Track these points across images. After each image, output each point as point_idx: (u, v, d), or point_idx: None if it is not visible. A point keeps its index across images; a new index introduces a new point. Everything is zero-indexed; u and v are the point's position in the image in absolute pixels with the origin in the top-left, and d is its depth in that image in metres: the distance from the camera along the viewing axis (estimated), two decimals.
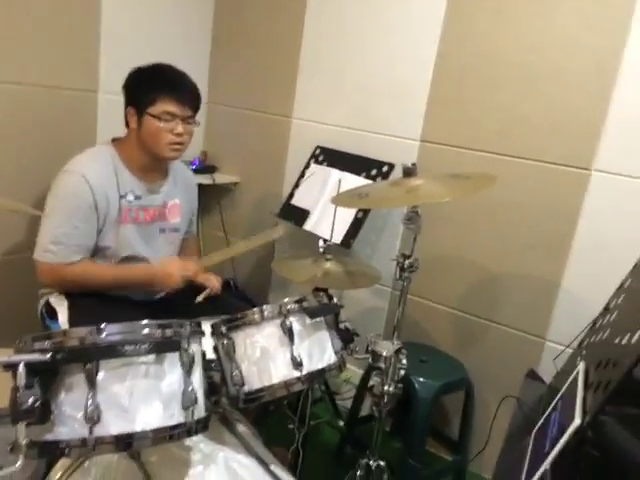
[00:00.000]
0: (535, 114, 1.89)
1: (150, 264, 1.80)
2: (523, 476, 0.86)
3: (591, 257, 1.84)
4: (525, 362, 1.92)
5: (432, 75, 2.08)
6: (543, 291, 1.95)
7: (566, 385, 1.00)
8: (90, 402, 0.93)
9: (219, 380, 1.26)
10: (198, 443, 1.21)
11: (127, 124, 1.74)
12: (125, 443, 0.96)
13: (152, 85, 1.68)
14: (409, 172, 1.43)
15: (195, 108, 1.75)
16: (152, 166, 1.79)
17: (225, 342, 1.22)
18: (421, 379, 1.87)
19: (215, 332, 1.24)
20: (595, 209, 1.82)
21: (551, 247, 1.92)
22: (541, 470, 0.78)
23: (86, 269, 1.68)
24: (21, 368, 0.89)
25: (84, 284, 1.68)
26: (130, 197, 1.74)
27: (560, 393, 1.00)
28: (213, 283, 1.87)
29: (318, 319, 1.27)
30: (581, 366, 0.99)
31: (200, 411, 1.06)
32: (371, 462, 1.58)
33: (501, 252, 2.02)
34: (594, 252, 1.83)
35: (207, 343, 1.18)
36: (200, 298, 1.80)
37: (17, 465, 0.90)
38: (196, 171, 2.46)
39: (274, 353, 1.21)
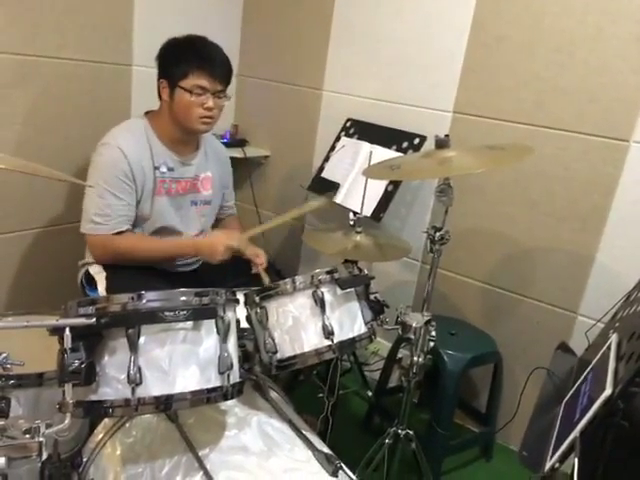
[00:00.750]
0: (572, 84, 1.84)
1: (197, 237, 1.83)
2: (552, 443, 0.87)
3: (627, 230, 1.81)
4: (556, 336, 1.91)
5: (467, 44, 2.04)
6: (576, 265, 1.92)
7: (597, 357, 1.00)
8: (132, 365, 0.98)
9: (252, 348, 1.30)
10: (233, 407, 1.26)
11: (160, 96, 1.76)
12: (165, 404, 1.01)
13: (184, 58, 1.69)
14: (442, 144, 1.41)
15: (226, 82, 1.76)
16: (184, 139, 1.81)
17: (258, 311, 1.25)
18: (450, 352, 1.88)
19: (248, 301, 1.28)
20: (633, 181, 1.78)
21: (586, 220, 1.88)
22: (570, 437, 0.79)
23: (135, 242, 1.73)
24: (67, 332, 0.94)
25: (134, 256, 1.72)
26: (163, 169, 1.78)
27: (591, 365, 1.00)
28: (261, 258, 1.86)
29: (349, 290, 1.29)
30: (614, 338, 0.98)
31: (235, 376, 1.10)
32: (399, 431, 1.61)
33: (533, 225, 2.00)
34: (630, 225, 1.80)
35: (240, 313, 1.22)
36: (266, 279, 1.79)
37: (65, 423, 0.96)
38: (227, 144, 2.47)
39: (306, 322, 1.24)
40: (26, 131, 1.94)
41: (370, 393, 2.10)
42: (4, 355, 0.94)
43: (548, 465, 0.83)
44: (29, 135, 1.95)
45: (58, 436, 1.14)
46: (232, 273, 1.96)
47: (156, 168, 1.76)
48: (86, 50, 2.04)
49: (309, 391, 1.90)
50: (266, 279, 1.79)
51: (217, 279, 1.90)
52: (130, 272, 1.74)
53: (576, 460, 0.76)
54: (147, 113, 1.83)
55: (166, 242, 1.80)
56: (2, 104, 1.86)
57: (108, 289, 1.71)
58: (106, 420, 1.26)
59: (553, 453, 0.85)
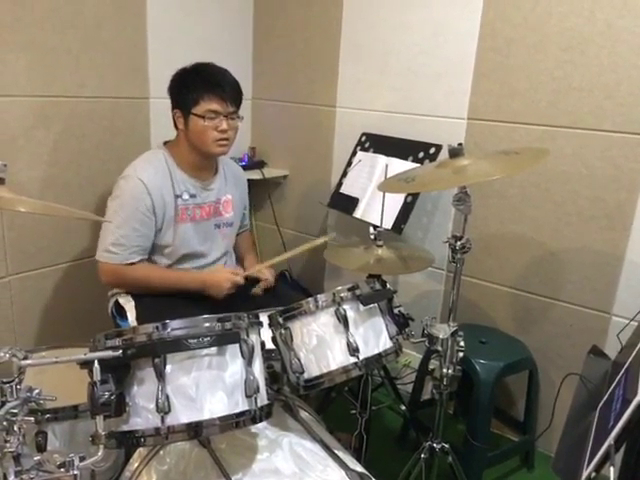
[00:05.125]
0: (586, 81, 1.81)
1: (202, 272, 1.87)
2: (588, 452, 0.85)
3: None
4: (591, 338, 1.87)
5: (476, 49, 2.03)
6: (606, 264, 1.88)
7: (630, 358, 0.97)
8: (160, 394, 0.99)
9: (280, 369, 1.30)
10: (263, 430, 1.26)
11: (175, 126, 1.80)
12: (195, 431, 1.02)
13: (194, 86, 1.73)
14: (455, 152, 1.41)
15: (237, 104, 1.79)
16: (202, 164, 1.85)
17: (282, 332, 1.26)
18: (482, 361, 1.85)
19: (272, 323, 1.29)
20: None
21: (613, 217, 1.84)
22: (605, 445, 0.77)
23: (143, 272, 1.77)
24: (96, 365, 0.96)
25: (140, 285, 1.78)
26: (185, 196, 1.81)
27: (624, 367, 0.98)
28: (266, 275, 1.92)
29: (371, 305, 1.29)
30: None
31: (263, 399, 1.11)
32: (435, 444, 1.58)
33: (559, 226, 1.96)
34: None
35: (266, 334, 1.23)
36: (258, 290, 1.88)
37: (98, 455, 0.98)
38: (246, 167, 2.51)
39: (330, 340, 1.24)
40: (51, 170, 2.01)
41: (404, 407, 2.07)
42: (37, 391, 0.97)
43: (584, 475, 0.81)
44: (54, 173, 2.02)
45: (95, 467, 1.16)
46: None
47: (178, 196, 1.80)
48: (104, 87, 2.10)
49: (342, 408, 1.90)
50: (257, 290, 1.89)
51: (243, 299, 1.93)
52: (158, 300, 1.77)
53: (611, 469, 0.74)
54: (165, 143, 1.87)
55: (174, 276, 1.82)
56: (28, 145, 1.93)
57: (138, 318, 1.75)
58: (141, 448, 1.27)
59: (589, 462, 0.83)
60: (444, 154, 1.94)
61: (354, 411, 1.76)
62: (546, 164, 1.92)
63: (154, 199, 1.72)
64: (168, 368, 1.01)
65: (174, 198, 1.79)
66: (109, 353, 0.97)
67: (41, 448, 1.04)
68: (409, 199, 2.02)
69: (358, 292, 1.28)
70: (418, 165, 2.02)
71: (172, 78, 1.79)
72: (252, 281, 1.90)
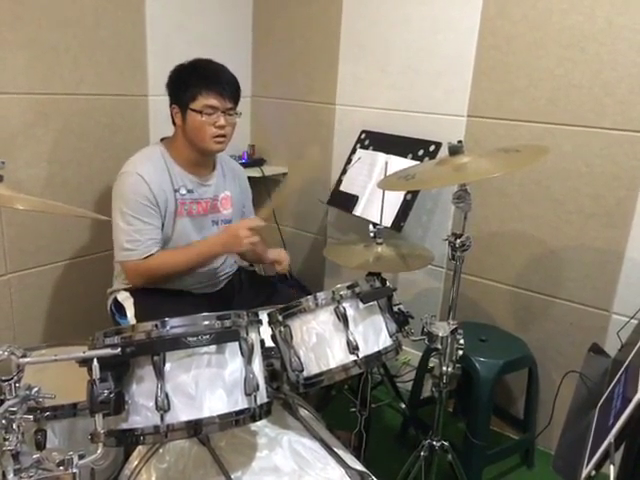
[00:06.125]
0: (586, 79, 1.81)
1: (215, 235, 1.84)
2: (587, 450, 0.85)
3: None
4: (591, 336, 1.87)
5: (476, 46, 2.03)
6: (606, 261, 1.88)
7: (630, 356, 0.97)
8: (159, 392, 0.99)
9: (279, 367, 1.30)
10: (263, 428, 1.26)
11: (173, 122, 1.80)
12: (194, 429, 1.01)
13: (191, 82, 1.73)
14: (455, 150, 1.40)
15: (235, 100, 1.78)
16: (200, 160, 1.84)
17: (282, 330, 1.26)
18: (482, 359, 1.85)
19: (272, 321, 1.28)
20: None
21: (613, 215, 1.84)
22: (605, 443, 0.77)
23: (165, 259, 1.75)
24: (95, 363, 0.96)
25: (166, 271, 1.75)
26: (183, 191, 1.81)
27: (624, 365, 0.97)
28: (283, 256, 1.95)
29: (371, 303, 1.28)
30: None
31: (262, 397, 1.10)
32: (434, 442, 1.58)
33: (559, 224, 1.96)
34: None
35: (265, 332, 1.23)
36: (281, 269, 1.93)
37: (97, 453, 0.97)
38: (245, 165, 2.51)
39: (330, 338, 1.24)
40: (50, 167, 2.00)
41: (403, 405, 2.07)
42: (36, 389, 0.96)
43: (584, 473, 0.81)
44: (53, 171, 2.01)
45: (94, 465, 1.16)
46: (255, 290, 1.98)
47: (176, 190, 1.79)
48: (103, 84, 2.10)
49: (342, 406, 1.90)
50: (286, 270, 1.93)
51: (242, 297, 1.93)
52: (157, 297, 1.77)
53: (611, 467, 0.74)
54: (163, 139, 1.87)
55: (193, 250, 1.79)
56: (28, 144, 1.92)
57: (137, 315, 1.75)
58: (140, 447, 1.27)
59: (589, 460, 0.82)
60: (444, 152, 1.94)
61: (354, 409, 1.76)
62: (546, 162, 1.92)
63: (155, 192, 1.72)
64: (167, 366, 1.01)
65: (173, 192, 1.78)
66: (108, 351, 0.96)
67: (40, 446, 1.04)
68: (409, 197, 2.02)
69: (358, 290, 1.27)
70: (418, 163, 2.02)
71: (170, 74, 1.79)
72: (258, 280, 1.91)
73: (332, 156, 2.51)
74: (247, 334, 1.10)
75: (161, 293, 1.78)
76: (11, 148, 1.88)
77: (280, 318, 1.26)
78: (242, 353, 1.07)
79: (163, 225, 1.77)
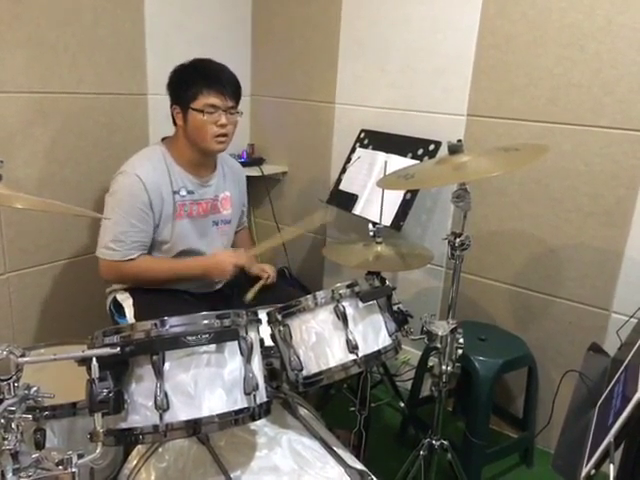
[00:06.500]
0: (586, 78, 1.81)
1: (202, 256, 1.86)
2: (587, 449, 0.85)
3: None
4: (590, 335, 1.87)
5: (475, 45, 2.02)
6: (606, 260, 1.88)
7: (630, 356, 0.97)
8: (158, 391, 0.99)
9: (279, 366, 1.30)
10: (262, 427, 1.26)
11: (174, 122, 1.80)
12: (193, 428, 1.01)
13: (192, 81, 1.72)
14: (455, 149, 1.40)
15: (236, 98, 1.78)
16: (201, 161, 1.84)
17: (281, 329, 1.25)
18: (481, 358, 1.85)
19: (271, 320, 1.28)
20: None
21: (612, 214, 1.84)
22: (605, 443, 0.77)
23: (143, 265, 1.76)
24: (94, 362, 0.96)
25: (142, 279, 1.77)
26: (183, 192, 1.81)
27: (624, 364, 0.97)
28: (268, 273, 1.92)
29: (370, 302, 1.28)
30: None
31: (262, 396, 1.10)
32: (434, 441, 1.58)
33: (558, 223, 1.96)
34: None
35: (265, 331, 1.22)
36: (250, 296, 1.81)
37: (96, 452, 0.97)
38: (245, 164, 2.50)
39: (329, 337, 1.24)
40: (49, 166, 2.00)
41: (403, 404, 2.07)
42: (35, 388, 0.96)
43: (584, 472, 0.81)
44: (52, 170, 2.01)
45: (93, 464, 1.16)
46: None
47: (175, 192, 1.79)
48: (102, 83, 2.09)
49: (341, 405, 1.90)
50: (250, 295, 1.80)
51: (241, 296, 1.93)
52: (156, 296, 1.77)
53: (611, 466, 0.74)
54: (164, 139, 1.87)
55: (175, 265, 1.81)
56: (26, 142, 1.92)
57: (136, 314, 1.75)
58: (139, 446, 1.27)
59: (589, 459, 0.82)
60: (443, 151, 1.94)
61: (353, 408, 1.76)
62: (545, 161, 1.92)
63: (151, 195, 1.72)
64: (166, 365, 1.01)
65: (172, 194, 1.78)
66: (107, 350, 0.96)
67: (39, 445, 1.04)
68: (408, 196, 2.02)
69: (357, 289, 1.27)
70: (417, 162, 2.02)
71: (170, 74, 1.78)
72: (254, 279, 1.90)
73: (331, 155, 2.51)
74: (246, 333, 1.10)
75: (160, 293, 1.78)
76: (10, 147, 1.88)
77: (279, 317, 1.26)
78: (241, 352, 1.07)
79: (158, 227, 1.77)
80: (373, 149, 2.21)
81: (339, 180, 2.29)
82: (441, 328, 1.43)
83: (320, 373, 1.24)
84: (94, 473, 1.28)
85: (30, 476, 0.92)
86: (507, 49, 1.95)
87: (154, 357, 0.99)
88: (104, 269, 1.76)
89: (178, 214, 1.80)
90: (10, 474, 0.91)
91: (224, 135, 1.76)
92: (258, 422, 1.23)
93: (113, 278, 1.80)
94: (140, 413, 1.00)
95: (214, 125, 1.73)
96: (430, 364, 2.09)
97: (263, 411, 1.09)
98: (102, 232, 1.74)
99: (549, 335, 2.04)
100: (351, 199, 2.17)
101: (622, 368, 0.98)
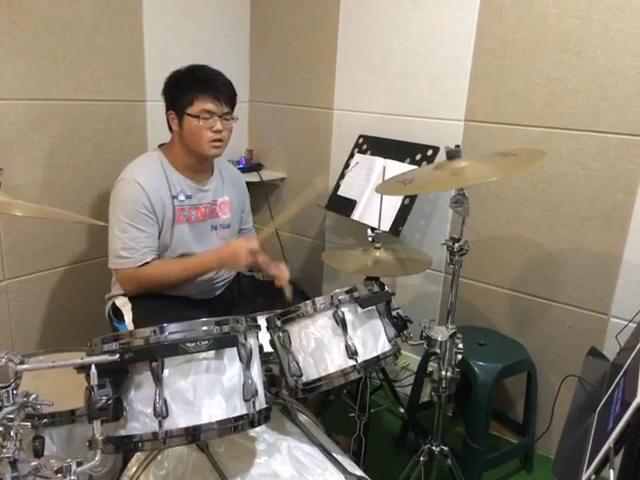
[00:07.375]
0: (583, 83, 1.82)
1: (215, 248, 1.83)
2: (587, 454, 0.84)
3: None
4: (589, 340, 1.87)
5: (473, 51, 2.03)
6: (604, 265, 1.88)
7: (629, 360, 0.97)
8: (158, 398, 0.99)
9: (278, 372, 1.30)
10: (262, 434, 1.26)
11: (170, 128, 1.80)
12: (193, 435, 1.01)
13: (188, 87, 1.73)
14: (453, 154, 1.41)
15: (232, 104, 1.79)
16: (198, 166, 1.84)
17: (281, 335, 1.25)
18: (481, 363, 1.85)
19: (270, 326, 1.28)
20: None
21: (610, 219, 1.84)
22: (604, 448, 0.77)
23: (158, 268, 1.75)
24: (93, 369, 0.95)
25: (159, 282, 1.75)
26: (181, 197, 1.81)
27: (623, 369, 0.97)
28: (284, 273, 1.84)
29: (369, 308, 1.28)
30: None
31: (261, 402, 1.10)
32: (434, 447, 1.58)
33: (556, 227, 1.96)
34: None
35: (264, 337, 1.22)
36: (290, 296, 1.77)
37: (95, 460, 0.97)
38: (243, 170, 2.50)
39: (328, 343, 1.24)
40: (48, 173, 2.00)
41: (402, 410, 2.07)
42: (33, 396, 0.96)
43: (584, 478, 0.80)
44: (51, 176, 2.01)
45: (92, 472, 1.15)
46: (253, 295, 1.98)
47: (174, 197, 1.79)
48: (101, 90, 2.10)
49: (341, 411, 1.89)
50: (288, 293, 1.77)
51: (240, 302, 1.92)
52: (155, 302, 1.77)
53: (611, 472, 0.74)
54: (161, 146, 1.87)
55: (189, 261, 1.80)
56: (25, 149, 1.92)
57: (135, 320, 1.74)
58: (138, 453, 1.26)
59: (589, 465, 0.82)
60: (441, 156, 1.95)
61: (353, 414, 1.75)
62: (543, 165, 1.93)
63: (152, 200, 1.72)
64: (166, 372, 1.00)
65: (171, 199, 1.78)
66: (106, 357, 0.96)
67: (38, 453, 1.03)
68: (407, 201, 2.02)
69: (356, 294, 1.27)
70: (415, 167, 2.02)
71: (166, 80, 1.79)
72: (258, 285, 1.89)
73: (330, 160, 2.52)
74: (245, 339, 1.09)
75: (159, 299, 1.78)
76: (8, 154, 1.88)
77: (279, 323, 1.26)
78: (240, 358, 1.07)
79: (161, 233, 1.77)
80: (371, 154, 2.22)
81: (337, 185, 2.29)
82: (440, 333, 1.43)
83: (319, 379, 1.24)
84: None
85: None
86: (504, 54, 1.96)
87: (153, 364, 0.99)
88: (122, 279, 1.76)
89: (177, 219, 1.80)
90: None
91: (219, 140, 1.76)
92: (257, 429, 1.23)
93: (133, 287, 1.77)
94: (139, 420, 1.00)
95: (209, 131, 1.73)
96: (429, 369, 2.09)
97: (262, 417, 1.09)
98: (111, 243, 1.73)
99: (548, 340, 2.04)
100: (349, 204, 2.18)
101: (621, 373, 0.98)
